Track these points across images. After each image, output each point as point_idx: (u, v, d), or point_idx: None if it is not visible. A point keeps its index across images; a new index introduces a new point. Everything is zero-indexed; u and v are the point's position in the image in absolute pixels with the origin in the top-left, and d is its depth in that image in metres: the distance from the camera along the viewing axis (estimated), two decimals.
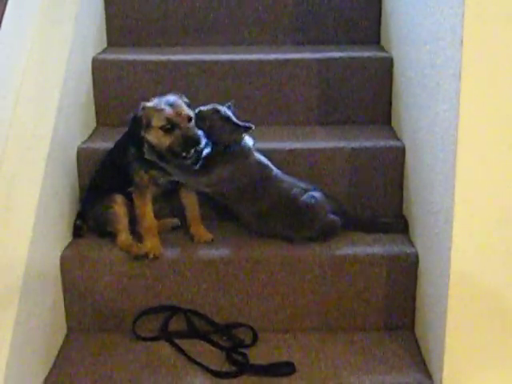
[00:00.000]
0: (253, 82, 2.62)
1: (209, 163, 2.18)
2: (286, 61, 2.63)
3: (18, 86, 1.90)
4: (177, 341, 2.13)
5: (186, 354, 2.07)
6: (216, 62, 2.62)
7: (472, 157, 1.74)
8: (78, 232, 2.31)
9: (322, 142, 2.45)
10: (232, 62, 2.62)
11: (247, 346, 2.11)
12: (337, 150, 2.39)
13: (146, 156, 2.15)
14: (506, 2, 1.64)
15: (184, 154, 2.11)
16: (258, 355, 2.07)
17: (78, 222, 2.32)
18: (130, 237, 2.23)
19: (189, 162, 2.15)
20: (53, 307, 2.13)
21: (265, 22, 2.89)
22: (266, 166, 2.24)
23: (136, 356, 2.08)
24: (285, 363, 2.03)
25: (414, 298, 2.19)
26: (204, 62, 2.63)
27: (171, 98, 2.16)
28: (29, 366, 1.92)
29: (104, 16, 2.88)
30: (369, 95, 2.63)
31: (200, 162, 2.18)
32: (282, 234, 2.23)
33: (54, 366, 2.07)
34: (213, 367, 2.01)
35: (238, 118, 2.21)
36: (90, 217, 2.31)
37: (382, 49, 2.77)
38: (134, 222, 2.27)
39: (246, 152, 2.21)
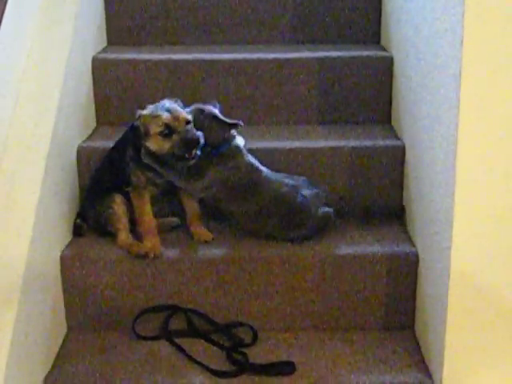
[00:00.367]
0: (253, 81, 2.62)
1: (201, 166, 2.16)
2: (286, 60, 2.63)
3: (17, 86, 1.90)
4: (177, 340, 2.13)
5: (186, 354, 2.07)
6: (216, 61, 2.62)
7: (472, 156, 1.74)
8: (78, 231, 2.31)
9: (321, 141, 2.45)
10: (232, 61, 2.62)
11: (247, 346, 2.11)
12: (337, 149, 2.39)
13: (144, 160, 2.15)
14: (506, 2, 1.64)
15: (187, 156, 2.10)
16: (258, 354, 2.07)
17: (78, 221, 2.32)
18: (130, 236, 2.23)
19: (193, 162, 2.12)
20: (53, 306, 2.13)
21: (265, 22, 2.89)
22: (256, 168, 2.22)
23: (136, 355, 2.08)
24: (285, 362, 2.03)
25: (414, 298, 2.19)
26: (204, 61, 2.63)
27: (167, 102, 2.15)
28: (29, 365, 1.92)
29: (104, 15, 2.88)
30: (369, 94, 2.63)
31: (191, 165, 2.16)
32: (274, 233, 2.23)
33: (54, 364, 2.07)
34: (213, 366, 2.01)
35: (225, 116, 2.20)
36: (89, 216, 2.31)
37: (382, 48, 2.77)
38: (134, 221, 2.27)
39: (237, 152, 2.20)
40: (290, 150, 2.38)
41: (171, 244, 2.24)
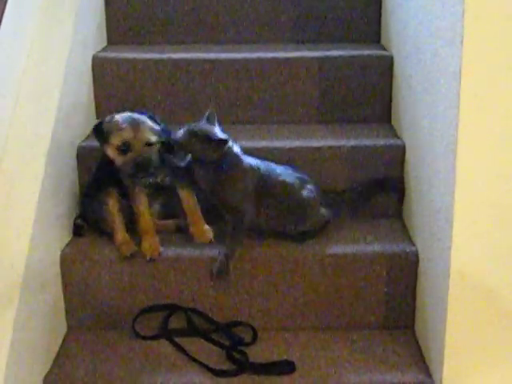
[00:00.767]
0: (253, 80, 2.62)
1: (215, 187, 2.15)
2: (286, 59, 2.62)
3: (17, 85, 1.90)
4: (177, 339, 2.13)
5: (185, 353, 2.07)
6: (216, 61, 2.62)
7: (472, 155, 1.74)
8: (78, 231, 2.30)
9: (321, 140, 2.45)
10: (232, 61, 2.62)
11: (247, 345, 2.11)
12: (337, 148, 2.39)
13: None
14: (506, 1, 1.64)
15: (134, 176, 2.11)
16: (258, 354, 2.07)
17: (78, 221, 2.32)
18: (127, 235, 2.23)
19: (142, 182, 2.15)
20: (53, 305, 2.14)
21: (265, 21, 2.89)
22: (257, 168, 2.20)
23: (136, 354, 2.09)
24: (285, 362, 2.03)
25: (414, 297, 2.19)
26: (204, 60, 2.63)
27: (139, 117, 2.10)
28: (29, 364, 1.93)
29: (104, 14, 2.88)
30: (369, 94, 2.63)
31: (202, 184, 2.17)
32: (278, 228, 2.22)
33: (54, 364, 2.07)
34: (213, 366, 2.01)
35: (220, 123, 2.17)
36: (89, 213, 2.30)
37: (382, 47, 2.77)
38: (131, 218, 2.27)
39: (238, 162, 2.16)
40: (290, 149, 2.38)
41: (171, 243, 2.24)
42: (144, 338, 2.15)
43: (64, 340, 2.18)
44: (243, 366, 2.01)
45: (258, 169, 2.19)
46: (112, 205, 2.23)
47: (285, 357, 2.06)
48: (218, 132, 2.12)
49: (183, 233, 2.29)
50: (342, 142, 2.41)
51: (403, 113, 2.42)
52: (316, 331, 2.20)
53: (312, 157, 2.37)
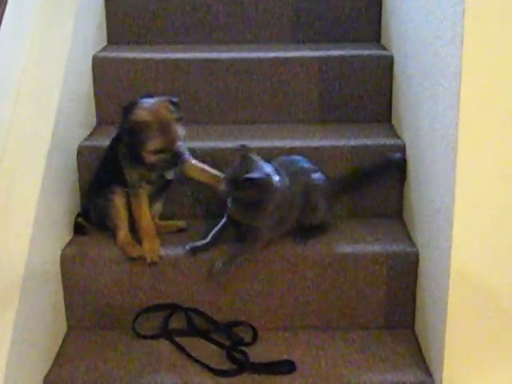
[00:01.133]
0: (253, 80, 2.62)
1: (245, 216, 2.14)
2: (286, 59, 2.63)
3: (18, 84, 1.90)
4: (177, 339, 2.13)
5: (186, 353, 2.07)
6: (216, 60, 2.62)
7: (472, 155, 1.74)
8: (81, 230, 2.30)
9: (322, 140, 2.45)
10: (232, 61, 2.62)
11: (247, 345, 2.11)
12: (337, 148, 2.39)
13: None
14: (506, 2, 1.64)
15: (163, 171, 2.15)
16: (258, 353, 2.07)
17: (79, 220, 2.32)
18: (129, 235, 2.23)
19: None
20: (53, 305, 2.14)
21: (265, 20, 2.89)
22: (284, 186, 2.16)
23: (136, 354, 2.09)
24: (285, 361, 2.03)
25: (414, 297, 2.19)
26: (204, 60, 2.63)
27: (166, 114, 2.07)
28: (29, 364, 1.93)
29: (104, 14, 2.88)
30: (369, 93, 2.63)
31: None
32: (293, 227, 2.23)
33: (54, 363, 2.07)
34: (213, 365, 2.01)
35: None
36: (91, 209, 2.30)
37: (383, 47, 2.77)
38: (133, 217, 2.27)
39: (272, 193, 2.11)
40: (291, 148, 2.38)
41: (171, 243, 2.24)
42: (144, 337, 2.15)
43: (64, 340, 2.18)
44: (243, 366, 2.01)
45: (285, 187, 2.16)
46: (118, 201, 2.22)
47: (285, 356, 2.06)
48: (267, 176, 2.08)
49: (183, 233, 2.30)
50: (343, 142, 2.41)
51: (403, 112, 2.42)
52: (316, 331, 2.20)
53: (312, 157, 2.37)
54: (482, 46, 1.67)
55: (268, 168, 2.10)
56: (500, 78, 1.69)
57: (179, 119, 2.09)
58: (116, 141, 2.22)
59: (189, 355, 2.06)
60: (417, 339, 2.16)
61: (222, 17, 2.89)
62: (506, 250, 1.80)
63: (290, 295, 2.19)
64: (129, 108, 2.10)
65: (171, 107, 2.09)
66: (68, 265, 2.19)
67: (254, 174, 2.05)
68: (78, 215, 2.35)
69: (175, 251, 2.20)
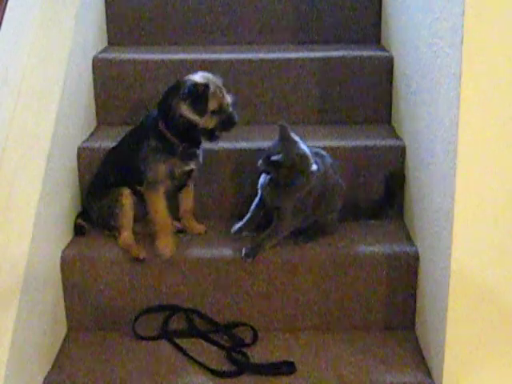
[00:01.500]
0: (253, 81, 2.62)
1: (278, 197, 2.15)
2: (287, 60, 2.63)
3: (18, 85, 1.90)
4: (177, 340, 2.13)
5: (186, 353, 2.07)
6: (216, 61, 2.62)
7: (472, 156, 1.74)
8: (80, 231, 2.31)
9: (322, 141, 2.45)
10: (233, 61, 2.62)
11: (247, 345, 2.11)
12: (337, 149, 2.39)
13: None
14: (506, 2, 1.64)
15: (218, 134, 2.17)
16: (259, 354, 2.07)
17: (79, 221, 2.32)
18: (133, 236, 2.23)
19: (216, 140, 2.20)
20: (53, 306, 2.14)
21: (265, 22, 2.89)
22: (325, 178, 2.19)
23: (136, 355, 2.09)
24: (285, 362, 2.03)
25: (414, 298, 2.19)
26: (204, 61, 2.63)
27: (216, 79, 2.18)
28: (29, 365, 1.93)
29: (104, 15, 2.88)
30: (369, 94, 2.63)
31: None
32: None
33: (54, 364, 2.07)
34: (213, 366, 2.01)
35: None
36: (93, 211, 2.30)
37: (383, 48, 2.77)
38: (135, 219, 2.27)
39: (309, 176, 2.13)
40: None
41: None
42: (144, 338, 2.15)
43: (64, 341, 2.18)
44: (243, 367, 2.01)
45: (319, 176, 2.17)
46: (126, 202, 2.22)
47: (285, 357, 2.06)
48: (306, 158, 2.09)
49: (183, 234, 2.30)
50: (343, 143, 2.41)
51: (403, 113, 2.42)
52: (316, 332, 2.20)
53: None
54: (482, 46, 1.67)
55: (307, 150, 2.11)
56: (500, 78, 1.69)
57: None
58: (137, 139, 2.23)
59: (189, 356, 2.06)
60: (417, 340, 2.15)
61: (222, 18, 2.89)
62: (505, 251, 1.80)
63: (290, 296, 2.19)
64: (176, 85, 2.15)
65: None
66: (68, 266, 2.19)
67: (283, 155, 2.06)
68: (78, 216, 2.35)
69: (175, 252, 2.20)
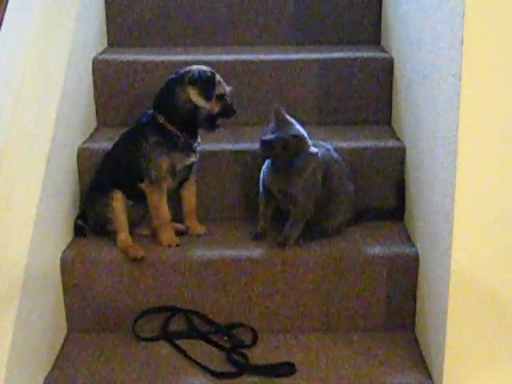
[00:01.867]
0: (253, 82, 2.62)
1: (284, 183, 2.16)
2: (287, 61, 2.63)
3: (18, 86, 1.90)
4: (177, 341, 2.13)
5: (186, 355, 2.07)
6: (217, 63, 2.61)
7: (472, 157, 1.74)
8: (80, 232, 2.30)
9: (322, 142, 2.44)
10: (233, 63, 2.62)
11: (247, 347, 2.11)
12: (337, 150, 2.37)
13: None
14: (506, 2, 1.64)
15: (219, 123, 2.23)
16: (259, 355, 2.07)
17: (79, 222, 2.32)
18: (130, 237, 2.23)
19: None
20: (53, 307, 2.14)
21: (265, 23, 2.89)
22: (329, 160, 2.22)
23: (136, 356, 2.09)
24: (285, 364, 2.03)
25: (414, 298, 2.19)
26: (204, 62, 2.60)
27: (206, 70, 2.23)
28: (29, 366, 1.93)
29: (104, 16, 2.88)
30: (369, 95, 2.64)
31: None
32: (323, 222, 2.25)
33: (54, 365, 2.07)
34: (213, 368, 2.01)
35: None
36: (90, 215, 2.31)
37: (383, 49, 2.77)
38: (134, 223, 2.28)
39: (309, 155, 2.15)
40: None
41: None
42: (144, 339, 2.15)
43: (64, 342, 2.18)
44: (243, 368, 2.01)
45: (324, 159, 2.20)
46: (117, 205, 2.23)
47: (285, 359, 2.06)
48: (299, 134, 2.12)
49: (183, 235, 2.30)
50: (343, 144, 2.41)
51: (403, 114, 2.42)
52: (316, 333, 2.19)
53: None
54: (482, 47, 1.67)
55: (302, 131, 2.13)
56: (500, 79, 1.69)
57: None
58: (137, 135, 2.23)
59: (189, 357, 2.06)
60: (417, 341, 2.15)
61: (222, 19, 2.89)
62: (506, 252, 1.80)
63: (290, 297, 2.19)
64: (181, 75, 2.20)
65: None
66: (68, 267, 2.19)
67: (276, 135, 2.08)
68: (78, 217, 2.35)
69: (175, 253, 2.20)
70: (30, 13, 2.02)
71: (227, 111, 2.21)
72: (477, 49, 1.67)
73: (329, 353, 2.10)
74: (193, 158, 2.25)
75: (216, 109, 2.19)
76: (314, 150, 2.11)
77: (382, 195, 2.42)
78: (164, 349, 2.11)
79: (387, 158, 2.39)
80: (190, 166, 2.26)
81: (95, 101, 2.65)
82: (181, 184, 2.30)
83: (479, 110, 1.71)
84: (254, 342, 2.14)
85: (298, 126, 2.14)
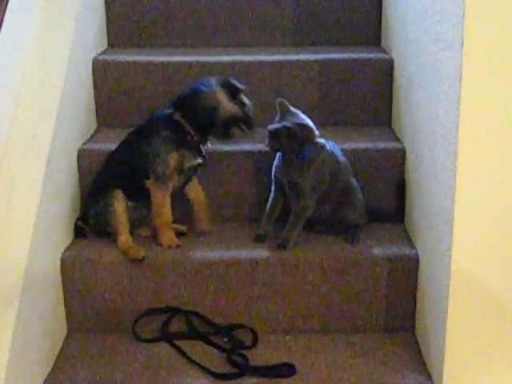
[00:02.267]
0: (253, 83, 2.61)
1: (292, 175, 2.18)
2: (287, 62, 2.63)
3: (18, 87, 1.90)
4: (177, 342, 2.13)
5: (186, 356, 2.07)
6: (217, 64, 2.62)
7: (472, 158, 1.74)
8: (81, 233, 2.30)
9: None
10: (233, 64, 2.62)
11: (247, 348, 2.11)
12: None
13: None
14: (506, 2, 1.64)
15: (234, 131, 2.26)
16: (259, 357, 2.07)
17: (79, 223, 2.32)
18: (131, 238, 2.23)
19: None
20: (53, 308, 2.13)
21: (266, 24, 2.89)
22: (335, 156, 2.24)
23: (136, 357, 2.08)
24: (285, 365, 2.03)
25: (414, 300, 2.19)
26: (205, 63, 2.63)
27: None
28: (29, 367, 1.92)
29: (105, 17, 2.88)
30: (369, 96, 2.63)
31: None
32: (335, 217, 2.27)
33: (54, 366, 2.07)
34: (213, 369, 2.01)
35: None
36: (91, 216, 2.30)
37: (383, 50, 2.77)
38: (135, 224, 2.28)
39: (318, 147, 2.19)
40: None
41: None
42: (144, 340, 2.14)
43: (64, 343, 2.18)
44: (243, 369, 2.00)
45: (333, 152, 2.22)
46: (118, 206, 2.23)
47: (285, 360, 2.06)
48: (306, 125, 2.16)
49: (184, 237, 2.30)
50: (343, 145, 2.41)
51: (403, 116, 2.42)
52: (316, 334, 2.19)
53: None
54: (482, 48, 1.67)
55: (308, 121, 2.16)
56: (500, 80, 1.69)
57: None
58: (144, 134, 2.24)
59: (189, 358, 2.06)
60: (417, 342, 2.15)
61: (222, 20, 2.89)
62: (506, 253, 1.80)
63: (291, 298, 2.19)
64: (209, 77, 2.29)
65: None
66: (68, 268, 2.19)
67: (282, 125, 2.11)
68: (79, 218, 2.35)
69: (175, 254, 2.20)
70: (29, 13, 2.03)
71: (249, 119, 2.25)
72: (477, 49, 1.67)
73: (329, 354, 2.10)
74: (199, 160, 2.26)
75: (239, 112, 2.22)
76: (321, 140, 2.15)
77: (382, 196, 2.42)
78: (164, 350, 2.11)
79: (387, 159, 2.39)
80: (195, 168, 2.27)
81: (95, 101, 2.65)
82: (184, 185, 2.30)
83: (479, 111, 1.71)
84: (254, 343, 2.14)
85: (304, 116, 2.18)
